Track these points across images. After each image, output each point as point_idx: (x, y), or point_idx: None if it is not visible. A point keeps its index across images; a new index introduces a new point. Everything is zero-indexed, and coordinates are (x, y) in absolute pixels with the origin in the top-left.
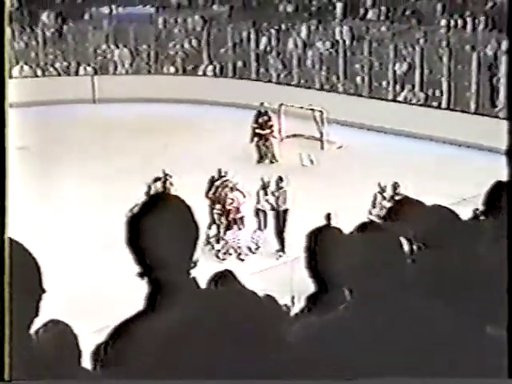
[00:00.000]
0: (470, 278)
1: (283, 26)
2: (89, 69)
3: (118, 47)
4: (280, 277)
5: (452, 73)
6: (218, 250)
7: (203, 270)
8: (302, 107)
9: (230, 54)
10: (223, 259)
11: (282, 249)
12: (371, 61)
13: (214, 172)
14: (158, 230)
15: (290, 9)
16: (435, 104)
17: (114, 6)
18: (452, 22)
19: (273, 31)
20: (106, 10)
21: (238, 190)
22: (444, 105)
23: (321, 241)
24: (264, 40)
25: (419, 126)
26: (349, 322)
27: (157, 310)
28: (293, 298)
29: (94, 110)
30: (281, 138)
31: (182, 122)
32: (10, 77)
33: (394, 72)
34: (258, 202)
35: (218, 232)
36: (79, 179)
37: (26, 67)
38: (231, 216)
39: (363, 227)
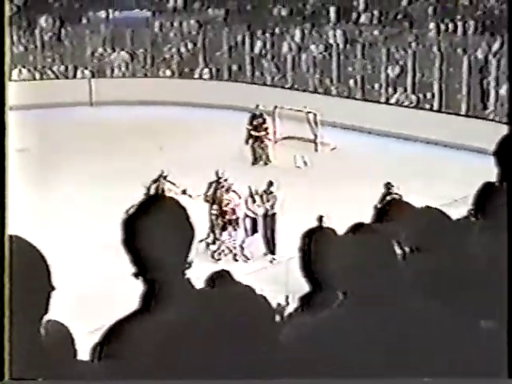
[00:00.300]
0: (462, 278)
1: (277, 30)
2: (86, 72)
3: (114, 51)
4: (274, 277)
5: (443, 75)
6: (214, 251)
7: (199, 270)
8: (296, 109)
9: (225, 57)
10: (218, 259)
11: (272, 252)
12: (364, 64)
13: (210, 173)
14: (153, 230)
15: (284, 13)
16: (427, 106)
17: (111, 11)
18: (443, 26)
19: (267, 35)
20: (103, 14)
21: (233, 191)
22: (436, 107)
23: (315, 241)
24: (259, 43)
25: (411, 128)
26: (342, 322)
27: (152, 310)
28: (287, 297)
29: (91, 113)
30: (275, 139)
31: (178, 125)
32: (9, 80)
33: (387, 75)
34: (247, 208)
35: (214, 233)
36: (77, 181)
37: (24, 70)
38: (227, 217)
39: (356, 228)
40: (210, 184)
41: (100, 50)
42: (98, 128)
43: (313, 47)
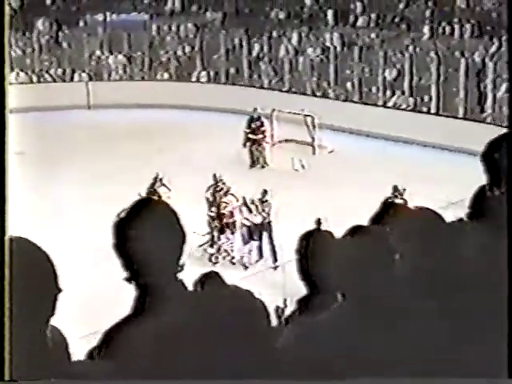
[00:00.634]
0: (458, 280)
1: (275, 33)
2: (84, 75)
3: (112, 54)
4: (272, 280)
5: (441, 79)
6: (211, 254)
7: (196, 273)
8: (293, 113)
9: (222, 60)
10: (215, 263)
11: (275, 259)
12: (361, 67)
13: (208, 176)
14: (144, 234)
15: (281, 16)
16: (424, 109)
17: (108, 14)
18: (440, 29)
19: (265, 38)
20: (100, 17)
21: (231, 194)
22: (433, 110)
23: (312, 244)
24: (256, 47)
25: (409, 131)
26: (339, 324)
27: (145, 313)
28: (285, 300)
29: (88, 116)
30: (273, 142)
31: (175, 128)
32: None
33: (384, 78)
34: (244, 218)
35: (212, 236)
36: (75, 183)
37: (21, 74)
38: (225, 220)
39: (354, 231)
40: (209, 187)
41: (97, 52)
42: (95, 131)
43: (310, 50)
